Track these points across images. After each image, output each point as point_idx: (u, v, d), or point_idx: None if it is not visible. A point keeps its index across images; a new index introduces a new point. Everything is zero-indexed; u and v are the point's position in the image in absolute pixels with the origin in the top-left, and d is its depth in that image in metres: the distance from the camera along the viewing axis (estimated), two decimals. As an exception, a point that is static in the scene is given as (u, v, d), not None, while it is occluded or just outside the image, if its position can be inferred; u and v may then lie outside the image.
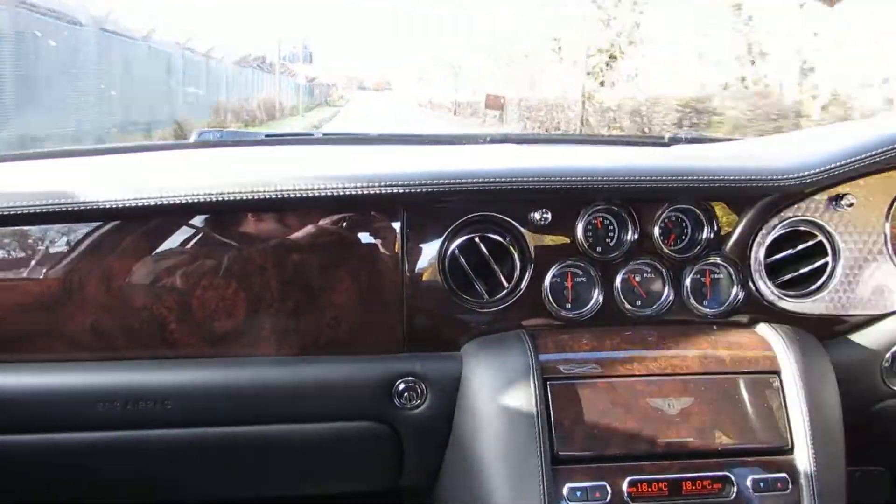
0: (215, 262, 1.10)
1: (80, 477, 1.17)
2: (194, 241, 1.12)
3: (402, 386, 1.12)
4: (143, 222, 1.10)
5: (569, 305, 1.18)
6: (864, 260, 1.21)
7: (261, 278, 1.10)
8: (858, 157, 1.10)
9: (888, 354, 1.18)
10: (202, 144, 1.54)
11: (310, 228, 1.13)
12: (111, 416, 1.08)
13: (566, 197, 1.15)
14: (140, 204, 1.01)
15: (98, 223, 1.08)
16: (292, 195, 1.03)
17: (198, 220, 1.11)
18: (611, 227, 1.19)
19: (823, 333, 1.18)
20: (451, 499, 1.16)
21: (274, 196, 1.03)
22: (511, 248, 1.15)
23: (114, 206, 1.01)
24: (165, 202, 1.01)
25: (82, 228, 1.08)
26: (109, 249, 1.09)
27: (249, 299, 1.10)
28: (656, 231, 1.18)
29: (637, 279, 1.20)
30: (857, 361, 1.19)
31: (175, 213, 1.08)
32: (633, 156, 1.40)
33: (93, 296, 1.08)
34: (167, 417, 1.09)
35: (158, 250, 1.10)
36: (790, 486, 1.03)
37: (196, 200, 1.02)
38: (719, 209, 1.19)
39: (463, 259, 1.14)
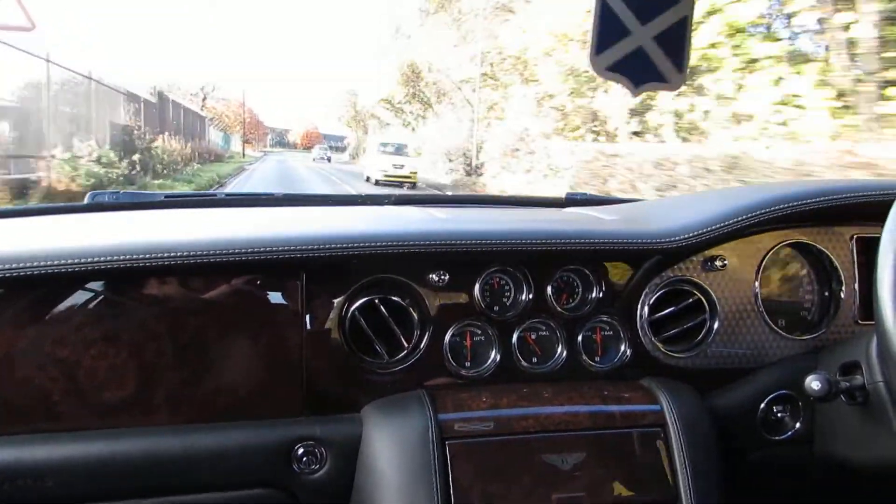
0: (106, 330, 1.06)
1: None
2: (84, 308, 1.07)
3: (300, 451, 1.10)
4: (28, 291, 1.05)
5: (468, 364, 1.21)
6: (739, 316, 1.30)
7: (155, 344, 1.07)
8: (726, 223, 1.20)
9: (762, 405, 1.26)
10: (96, 207, 1.49)
11: (207, 292, 1.11)
12: None
13: (463, 259, 1.19)
14: (24, 273, 0.96)
15: None
16: (188, 261, 1.01)
17: (90, 286, 1.07)
18: (507, 288, 1.23)
19: (704, 386, 1.25)
20: None
21: (168, 262, 1.00)
22: (410, 309, 1.18)
23: None
24: (52, 271, 0.96)
25: None
26: None
27: (142, 367, 1.06)
28: (549, 291, 1.23)
29: (533, 337, 1.25)
30: (735, 412, 1.26)
31: (63, 282, 1.04)
32: (528, 217, 1.46)
33: None
34: (46, 496, 1.02)
35: (44, 319, 1.05)
36: None
37: (87, 269, 0.98)
38: (608, 269, 1.26)
39: (363, 320, 1.15)
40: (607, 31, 1.31)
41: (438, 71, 27.01)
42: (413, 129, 32.83)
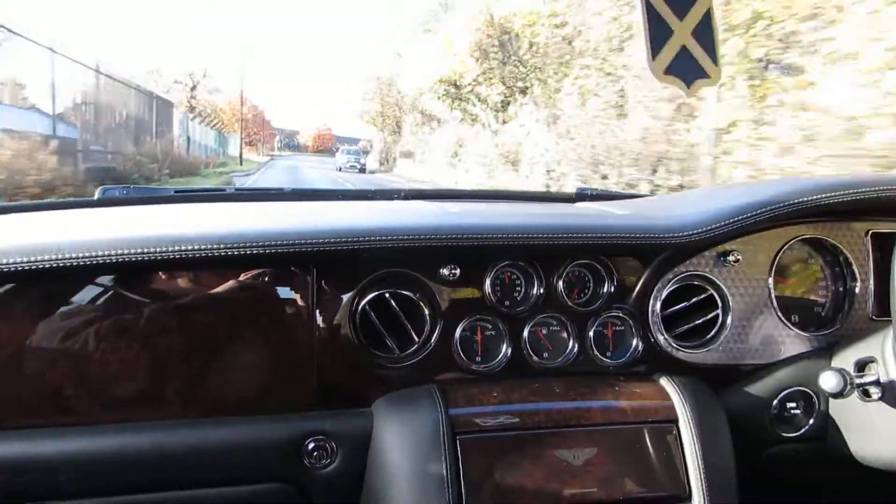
0: (117, 324, 1.06)
1: None
2: (95, 302, 1.08)
3: (311, 445, 1.10)
4: (40, 285, 1.05)
5: (479, 359, 1.21)
6: (752, 312, 1.29)
7: (166, 339, 1.07)
8: (739, 217, 1.19)
9: (776, 401, 1.25)
10: (107, 202, 1.49)
11: (218, 286, 1.11)
12: None
13: (474, 253, 1.18)
14: (36, 267, 0.96)
15: None
16: (198, 255, 1.01)
17: (101, 280, 1.07)
18: (518, 282, 1.23)
19: (717, 382, 1.24)
20: None
21: (179, 256, 1.00)
22: (421, 303, 1.17)
23: (6, 269, 0.95)
24: (63, 264, 0.96)
25: None
26: (1, 314, 1.03)
27: (153, 361, 1.07)
28: (560, 285, 1.22)
29: (543, 332, 1.24)
30: (748, 408, 1.25)
31: (75, 275, 1.04)
32: (539, 212, 1.46)
33: None
34: (57, 489, 1.03)
35: (56, 313, 1.05)
36: None
37: (97, 262, 0.98)
38: (620, 264, 1.25)
39: (374, 315, 1.15)
40: (655, 33, 1.30)
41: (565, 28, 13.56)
42: (491, 127, 18.75)
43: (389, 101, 38.91)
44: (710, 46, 1.32)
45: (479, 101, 19.06)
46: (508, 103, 17.36)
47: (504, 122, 17.81)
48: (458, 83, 19.82)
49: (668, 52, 1.30)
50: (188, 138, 26.74)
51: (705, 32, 1.31)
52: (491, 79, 17.75)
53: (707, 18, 1.31)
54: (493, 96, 18.12)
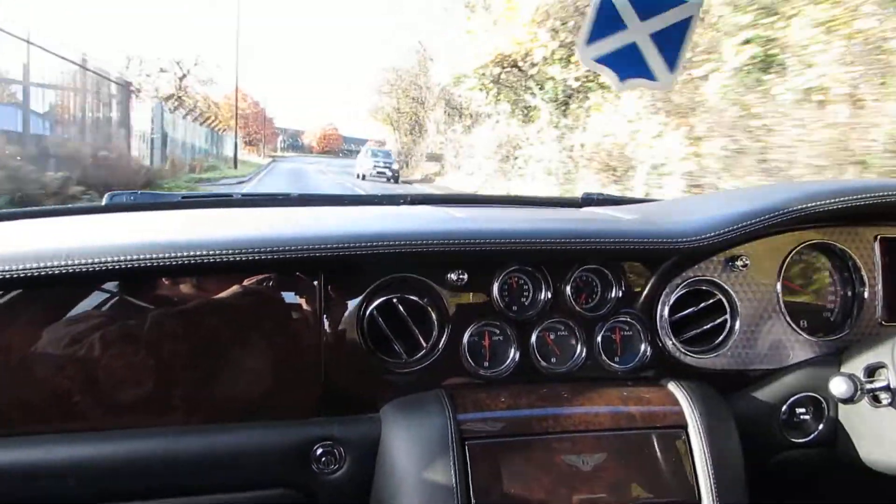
0: (124, 330, 1.06)
1: None
2: (102, 308, 1.08)
3: (319, 451, 1.10)
4: (48, 291, 1.05)
5: (486, 364, 1.20)
6: (761, 317, 1.29)
7: (173, 344, 1.07)
8: (747, 222, 1.18)
9: (785, 407, 1.25)
10: (114, 208, 1.50)
11: (225, 292, 1.11)
12: (2, 496, 1.01)
13: (481, 258, 1.18)
14: (44, 273, 0.96)
15: None
16: (206, 261, 1.01)
17: (107, 286, 1.08)
18: (525, 287, 1.23)
19: (726, 387, 1.24)
20: None
21: (186, 262, 1.00)
22: (429, 308, 1.17)
23: (14, 275, 0.95)
24: (71, 271, 0.96)
25: None
26: (8, 320, 1.04)
27: (160, 367, 1.07)
28: (568, 290, 1.22)
29: (551, 337, 1.24)
30: (757, 414, 1.24)
31: (82, 281, 1.04)
32: (546, 217, 1.45)
33: None
34: (67, 495, 1.03)
35: (63, 319, 1.05)
36: None
37: (105, 269, 0.98)
38: (628, 269, 1.25)
39: (381, 320, 1.15)
40: (602, 22, 1.30)
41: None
42: (560, 123, 13.51)
43: (409, 95, 32.96)
44: (672, 53, 1.32)
45: (549, 86, 13.49)
46: (588, 90, 12.35)
47: (585, 117, 12.43)
48: (519, 64, 14.38)
49: (609, 44, 1.31)
50: (163, 136, 19.72)
51: (672, 39, 1.32)
52: (571, 56, 12.37)
53: (681, 27, 1.31)
54: (570, 80, 12.87)
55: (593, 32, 1.30)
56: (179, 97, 30.50)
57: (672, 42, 1.33)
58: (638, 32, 1.30)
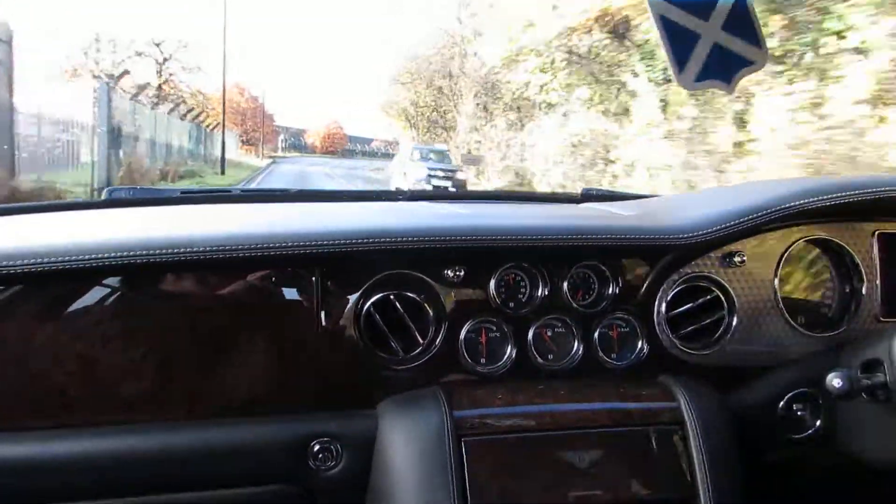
0: (123, 325, 1.06)
1: None
2: (102, 303, 1.08)
3: (316, 447, 1.10)
4: (48, 287, 1.05)
5: (483, 361, 1.20)
6: (758, 313, 1.29)
7: (171, 340, 1.08)
8: (745, 218, 1.18)
9: (782, 403, 1.24)
10: (113, 203, 1.50)
11: (223, 288, 1.11)
12: (4, 490, 1.01)
13: (478, 255, 1.18)
14: (44, 269, 0.96)
15: None
16: (205, 257, 1.01)
17: (107, 281, 1.08)
18: (522, 284, 1.23)
19: (723, 384, 1.24)
20: None
21: (185, 258, 1.01)
22: (426, 305, 1.17)
23: (14, 271, 0.96)
24: (71, 266, 0.97)
25: None
26: (6, 315, 1.04)
27: (158, 362, 1.07)
28: (565, 287, 1.22)
29: (548, 334, 1.24)
30: (754, 410, 1.24)
31: (81, 277, 1.05)
32: (544, 213, 1.45)
33: None
34: (64, 490, 1.03)
35: (62, 315, 1.05)
36: None
37: (105, 264, 0.98)
38: (625, 265, 1.25)
39: (378, 316, 1.15)
40: (679, 45, 1.29)
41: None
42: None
43: (434, 84, 26.66)
44: (749, 33, 1.30)
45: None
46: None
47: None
48: (622, 30, 10.20)
49: (697, 59, 1.29)
50: (114, 130, 13.04)
51: (741, 20, 1.30)
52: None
53: (742, 6, 1.29)
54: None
55: (678, 58, 1.28)
56: (160, 86, 26.89)
57: (745, 22, 1.31)
58: (711, 31, 1.29)
